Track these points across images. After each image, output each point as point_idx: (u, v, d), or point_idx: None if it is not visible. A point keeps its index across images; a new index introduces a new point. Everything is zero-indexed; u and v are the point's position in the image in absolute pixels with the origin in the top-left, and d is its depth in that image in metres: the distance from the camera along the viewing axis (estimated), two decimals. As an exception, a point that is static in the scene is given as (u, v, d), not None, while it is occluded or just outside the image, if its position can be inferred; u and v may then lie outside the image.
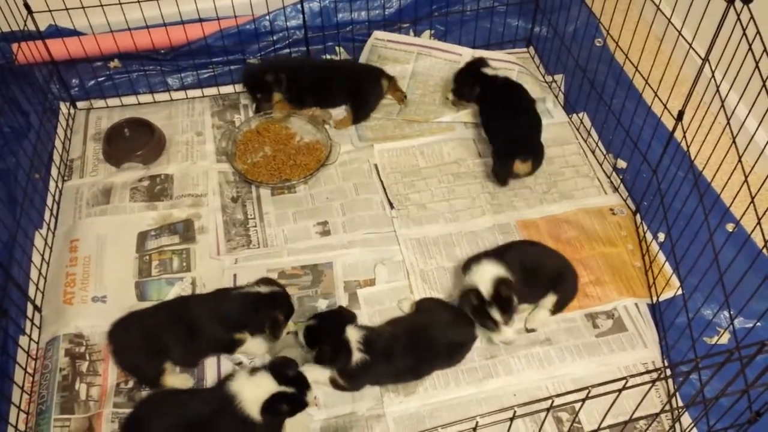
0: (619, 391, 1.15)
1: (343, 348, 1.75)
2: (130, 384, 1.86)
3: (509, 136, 2.34)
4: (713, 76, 1.74)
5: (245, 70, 2.65)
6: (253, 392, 1.63)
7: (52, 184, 2.36)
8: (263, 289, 1.87)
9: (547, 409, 1.14)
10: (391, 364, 1.80)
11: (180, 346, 1.85)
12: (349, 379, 1.80)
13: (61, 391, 1.84)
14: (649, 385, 1.20)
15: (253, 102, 2.62)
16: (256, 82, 2.56)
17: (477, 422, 1.03)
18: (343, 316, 1.86)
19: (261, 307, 1.84)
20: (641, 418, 1.63)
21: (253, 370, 1.68)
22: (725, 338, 1.91)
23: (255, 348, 1.91)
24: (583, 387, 1.11)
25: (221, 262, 2.14)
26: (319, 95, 2.60)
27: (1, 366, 1.84)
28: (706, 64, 1.78)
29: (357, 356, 1.75)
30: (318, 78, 2.61)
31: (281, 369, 1.68)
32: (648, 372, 1.20)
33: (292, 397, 1.65)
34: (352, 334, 1.77)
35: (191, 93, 2.69)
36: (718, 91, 1.73)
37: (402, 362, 1.81)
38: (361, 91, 2.58)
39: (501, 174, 2.32)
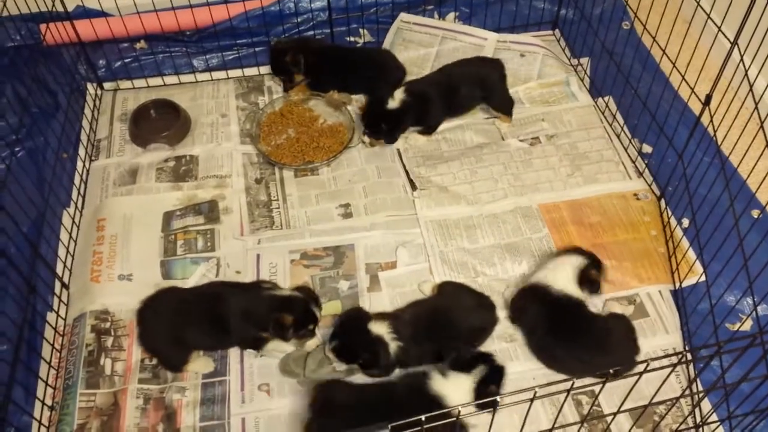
0: (640, 374, 1.15)
1: (380, 347, 1.74)
2: (155, 360, 1.90)
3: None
4: (742, 60, 1.71)
5: (271, 48, 2.63)
6: (458, 393, 1.64)
7: (79, 164, 2.39)
8: (282, 291, 1.85)
9: (567, 391, 1.15)
10: (417, 345, 1.80)
11: (208, 337, 1.87)
12: (386, 369, 1.80)
13: (87, 366, 1.88)
14: (669, 369, 1.20)
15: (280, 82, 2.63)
16: (276, 63, 2.56)
17: (497, 401, 1.04)
18: (359, 319, 1.82)
19: (272, 308, 1.80)
20: (661, 402, 1.63)
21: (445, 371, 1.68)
22: (747, 325, 1.90)
23: (278, 348, 1.89)
24: (603, 370, 1.11)
25: (245, 243, 2.16)
26: (339, 81, 2.59)
27: (29, 342, 1.87)
28: (735, 48, 1.76)
29: (393, 345, 1.75)
30: (339, 64, 2.60)
31: (461, 360, 1.68)
32: (668, 356, 1.19)
33: (490, 374, 1.66)
34: (380, 328, 1.77)
35: (216, 75, 2.71)
36: (746, 75, 1.70)
37: (426, 344, 1.81)
38: (380, 80, 2.56)
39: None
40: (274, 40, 2.74)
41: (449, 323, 1.86)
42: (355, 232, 2.18)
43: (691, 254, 2.05)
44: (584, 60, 2.70)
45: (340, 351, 1.76)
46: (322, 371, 1.84)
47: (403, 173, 2.35)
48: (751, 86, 1.70)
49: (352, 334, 1.77)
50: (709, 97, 1.90)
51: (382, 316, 1.82)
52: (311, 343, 1.85)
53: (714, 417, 1.69)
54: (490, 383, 1.64)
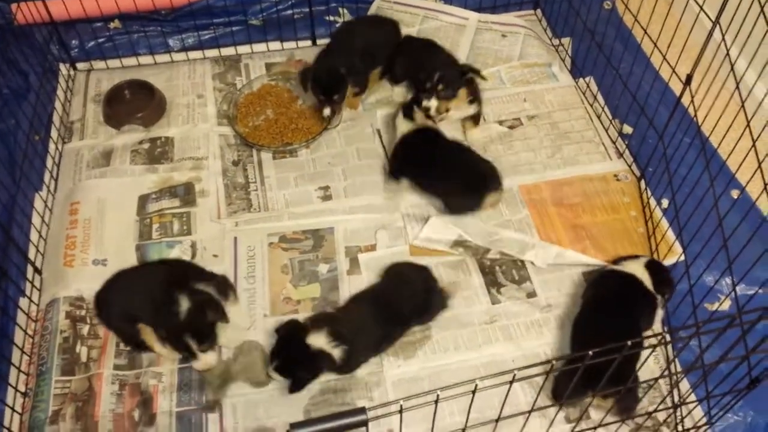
0: (620, 355, 1.15)
1: (323, 360, 1.70)
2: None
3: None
4: (723, 40, 1.70)
5: (312, 76, 2.27)
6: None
7: (51, 146, 2.34)
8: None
9: (546, 373, 1.14)
10: (365, 336, 1.78)
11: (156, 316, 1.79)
12: (341, 371, 1.78)
13: (62, 353, 1.85)
14: (649, 350, 1.20)
15: (324, 110, 2.29)
16: (334, 84, 2.26)
17: (477, 385, 1.03)
18: (294, 333, 1.73)
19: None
20: (640, 383, 1.63)
21: None
22: (726, 305, 1.90)
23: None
24: (582, 351, 1.10)
25: (222, 226, 2.13)
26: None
27: (1, 327, 1.84)
28: (716, 28, 1.74)
29: (337, 352, 1.70)
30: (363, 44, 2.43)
31: None
32: (647, 337, 1.19)
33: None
34: (317, 341, 1.70)
35: (192, 54, 2.66)
36: (728, 55, 1.69)
37: (377, 330, 1.80)
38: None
39: None
40: (250, 20, 2.68)
41: (390, 304, 1.84)
42: (335, 214, 2.16)
43: (671, 234, 2.05)
44: (565, 40, 2.68)
45: (281, 371, 1.72)
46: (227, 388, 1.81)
47: (383, 155, 2.32)
48: (732, 66, 1.69)
49: (290, 353, 1.71)
50: (689, 78, 1.89)
51: (321, 322, 1.74)
52: (204, 363, 1.74)
53: (692, 397, 1.69)
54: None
